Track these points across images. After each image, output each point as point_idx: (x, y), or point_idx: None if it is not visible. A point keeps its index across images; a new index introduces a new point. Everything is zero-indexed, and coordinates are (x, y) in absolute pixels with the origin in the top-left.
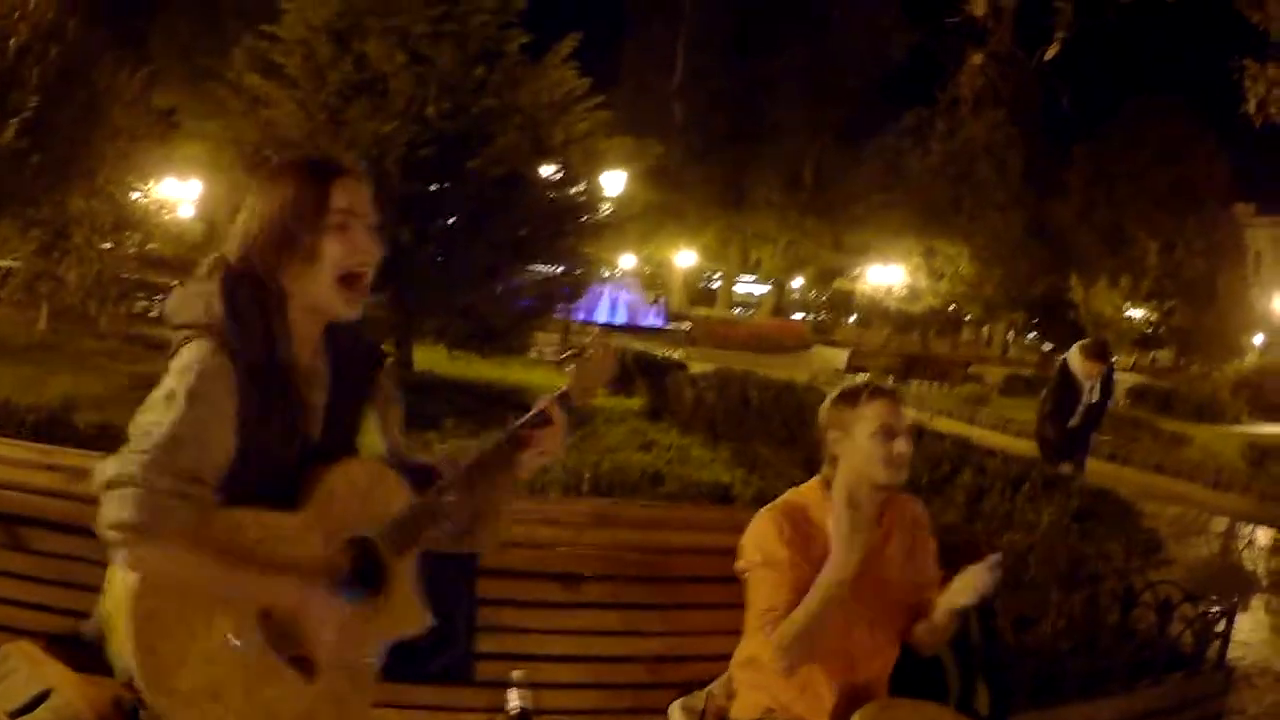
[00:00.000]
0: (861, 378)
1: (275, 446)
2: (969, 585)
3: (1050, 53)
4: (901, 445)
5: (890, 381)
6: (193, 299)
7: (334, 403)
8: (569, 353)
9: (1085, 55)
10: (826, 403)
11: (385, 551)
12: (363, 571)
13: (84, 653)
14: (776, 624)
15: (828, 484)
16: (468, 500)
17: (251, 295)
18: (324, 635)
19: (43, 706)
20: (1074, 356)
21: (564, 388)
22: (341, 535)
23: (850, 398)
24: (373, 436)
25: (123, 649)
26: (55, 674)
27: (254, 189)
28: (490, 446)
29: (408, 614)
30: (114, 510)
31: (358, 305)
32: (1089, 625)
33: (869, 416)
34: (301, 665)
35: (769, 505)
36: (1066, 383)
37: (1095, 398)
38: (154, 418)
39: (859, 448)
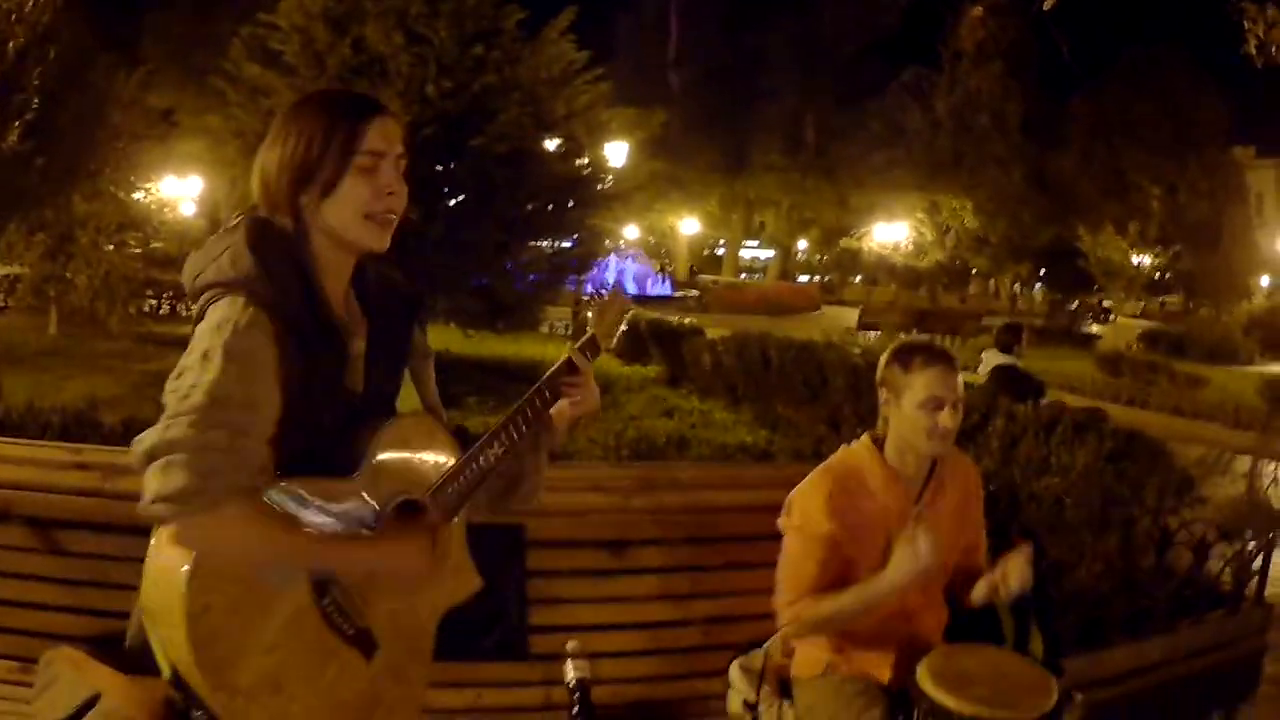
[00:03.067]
0: (879, 336)
1: (321, 404)
2: (1009, 580)
3: (1049, 3)
4: (946, 419)
5: (902, 338)
6: (214, 255)
7: (373, 352)
8: (584, 301)
9: (1081, 4)
10: (883, 358)
11: (436, 515)
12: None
13: (129, 654)
14: (797, 596)
15: (879, 443)
16: (508, 458)
17: (279, 242)
18: (404, 586)
19: (92, 713)
20: (997, 353)
21: (588, 333)
22: (394, 499)
23: (903, 360)
24: (409, 392)
25: (171, 646)
26: (102, 677)
27: (276, 125)
28: (525, 400)
29: (460, 578)
30: (160, 481)
31: (387, 238)
32: (1126, 567)
33: (918, 385)
34: (360, 642)
35: (824, 465)
36: (1014, 380)
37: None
38: (190, 380)
39: (905, 414)
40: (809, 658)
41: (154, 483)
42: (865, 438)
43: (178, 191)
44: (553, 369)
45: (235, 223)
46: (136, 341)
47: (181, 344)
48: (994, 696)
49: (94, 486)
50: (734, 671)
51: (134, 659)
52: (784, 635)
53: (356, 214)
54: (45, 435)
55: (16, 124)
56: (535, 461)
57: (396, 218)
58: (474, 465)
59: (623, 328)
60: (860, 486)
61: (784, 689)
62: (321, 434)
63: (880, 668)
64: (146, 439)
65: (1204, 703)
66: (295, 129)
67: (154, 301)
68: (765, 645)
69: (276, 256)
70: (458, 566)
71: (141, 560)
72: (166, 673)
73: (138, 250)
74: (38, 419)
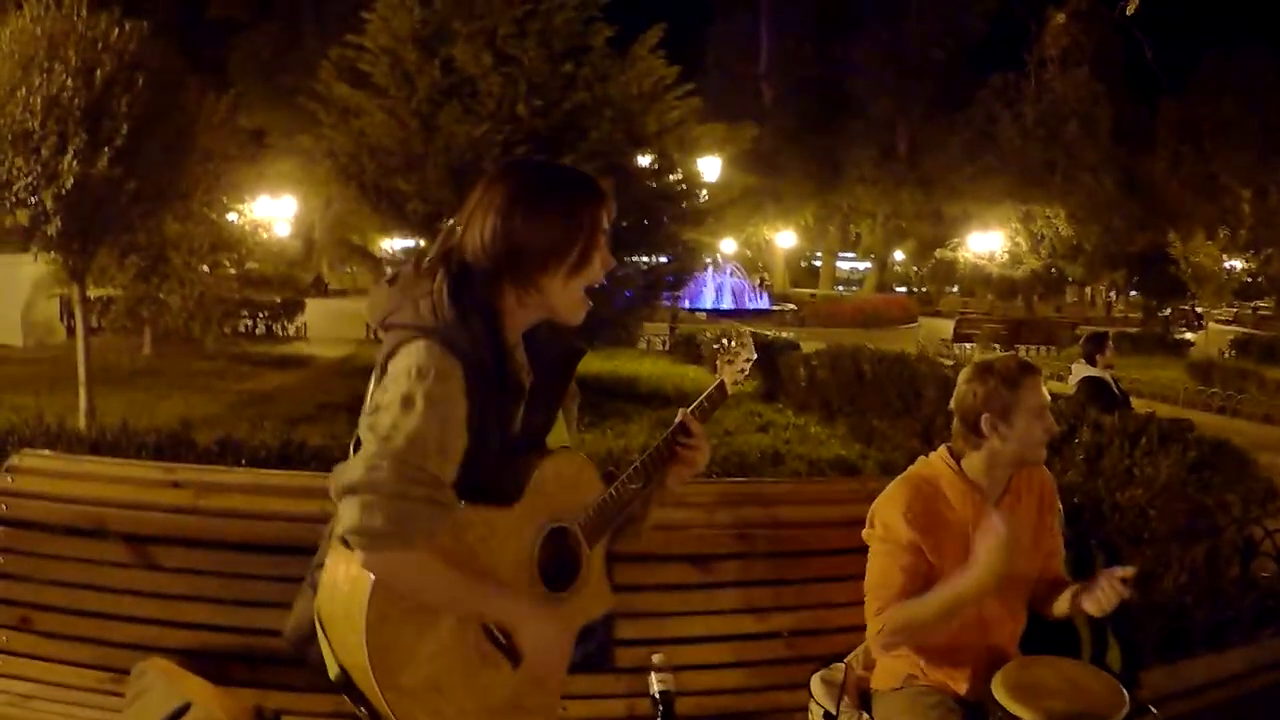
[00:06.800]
0: (973, 348)
1: (489, 443)
2: (1099, 600)
3: (1131, 8)
4: (1053, 421)
5: (997, 349)
6: (411, 299)
7: (534, 399)
8: (716, 348)
9: (1164, 7)
10: (974, 382)
11: (584, 539)
12: (561, 560)
13: (219, 666)
14: (885, 604)
15: (956, 457)
16: (643, 494)
17: (477, 299)
18: (533, 649)
19: None
20: (1084, 364)
21: (717, 379)
22: (549, 525)
23: (1007, 379)
24: (559, 431)
25: (345, 650)
26: (193, 687)
27: (511, 199)
28: (651, 453)
29: (599, 596)
30: (358, 516)
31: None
32: (1211, 578)
33: (1029, 397)
34: (510, 651)
35: (903, 476)
36: (1099, 391)
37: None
38: (390, 421)
39: (1020, 430)
40: (887, 670)
41: (351, 516)
42: (943, 450)
43: (271, 212)
44: (671, 429)
45: (430, 265)
46: (231, 361)
47: (276, 363)
48: (1067, 709)
49: (188, 504)
50: (815, 684)
51: (292, 654)
52: (878, 645)
53: (582, 288)
54: (141, 454)
55: (106, 150)
56: (645, 511)
57: None
58: (619, 496)
59: (745, 373)
60: (938, 496)
61: (864, 701)
62: (485, 468)
63: (957, 680)
64: (349, 473)
65: None
66: (542, 206)
67: (249, 321)
68: (847, 658)
69: (474, 310)
70: (597, 586)
71: (232, 575)
72: (334, 673)
73: (232, 271)
74: (133, 439)
